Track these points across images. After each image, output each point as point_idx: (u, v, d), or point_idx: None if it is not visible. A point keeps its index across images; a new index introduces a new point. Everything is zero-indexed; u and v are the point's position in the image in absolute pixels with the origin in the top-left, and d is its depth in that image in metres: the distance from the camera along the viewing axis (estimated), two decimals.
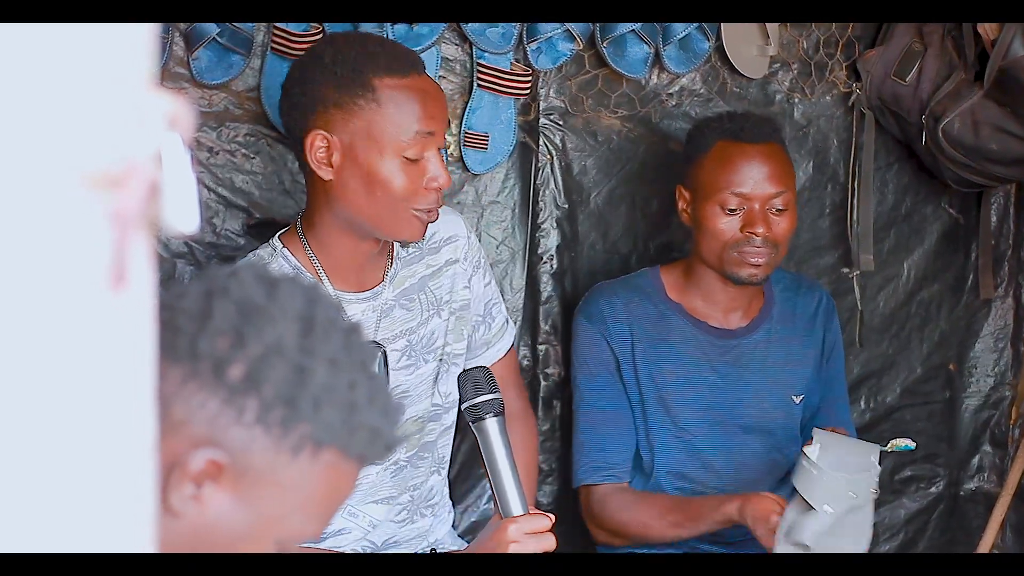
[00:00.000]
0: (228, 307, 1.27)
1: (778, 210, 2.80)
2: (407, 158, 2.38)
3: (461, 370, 2.41)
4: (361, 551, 2.58)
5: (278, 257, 2.49)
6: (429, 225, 2.54)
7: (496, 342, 2.76)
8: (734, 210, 2.78)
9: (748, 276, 2.82)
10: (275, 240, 2.52)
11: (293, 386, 1.26)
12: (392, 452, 1.35)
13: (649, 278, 2.95)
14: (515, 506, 2.17)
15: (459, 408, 2.57)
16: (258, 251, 2.53)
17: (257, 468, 1.28)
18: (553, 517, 2.22)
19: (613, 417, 2.87)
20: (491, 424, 2.19)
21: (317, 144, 2.39)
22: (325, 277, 2.49)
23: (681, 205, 2.89)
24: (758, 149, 2.81)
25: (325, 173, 2.40)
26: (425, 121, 2.39)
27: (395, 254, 2.58)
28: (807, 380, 2.97)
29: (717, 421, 2.88)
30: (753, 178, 2.79)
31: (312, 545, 2.54)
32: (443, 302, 2.62)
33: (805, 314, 3.00)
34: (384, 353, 2.49)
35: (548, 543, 2.16)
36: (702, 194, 2.82)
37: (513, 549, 2.14)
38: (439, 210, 2.60)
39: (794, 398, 2.95)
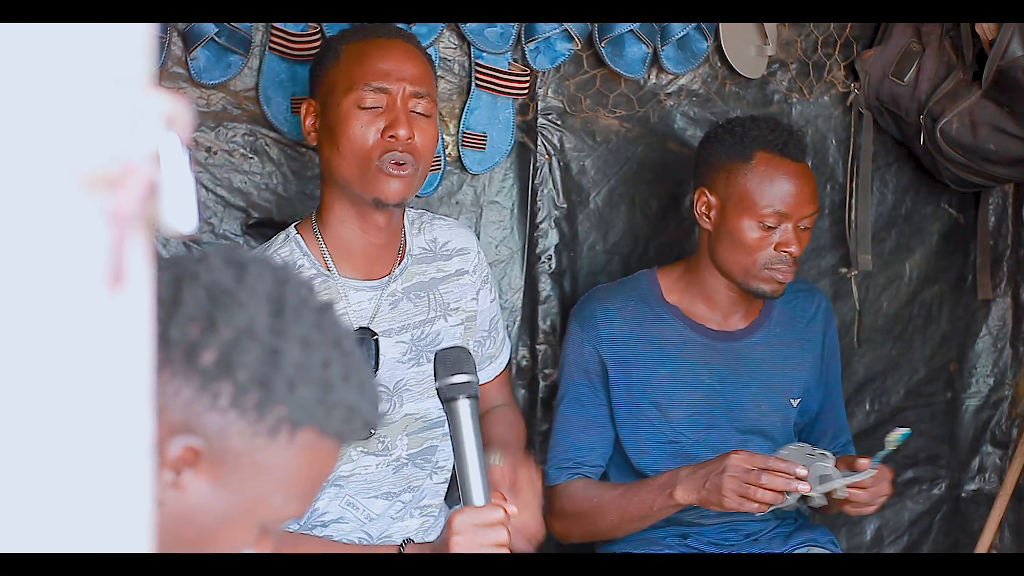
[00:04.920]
0: (198, 292, 1.26)
1: (804, 228, 2.79)
2: (360, 107, 2.48)
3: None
4: (357, 542, 2.58)
5: (290, 242, 2.57)
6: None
7: (498, 355, 2.80)
8: (771, 227, 2.75)
9: (772, 291, 2.80)
10: (291, 228, 2.60)
11: (267, 368, 1.26)
12: (371, 429, 1.35)
13: (646, 281, 2.91)
14: (476, 495, 2.15)
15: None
16: (274, 238, 2.60)
17: (235, 452, 1.28)
18: (514, 509, 2.20)
19: (587, 422, 2.85)
20: (463, 405, 2.16)
21: (304, 111, 2.57)
22: (332, 263, 2.55)
23: (702, 208, 2.83)
24: (799, 168, 2.79)
25: (312, 139, 2.56)
26: (376, 74, 2.49)
27: (407, 250, 2.62)
28: (805, 383, 2.94)
29: (713, 424, 2.86)
30: (795, 197, 2.76)
31: (305, 531, 2.53)
32: (451, 308, 2.64)
33: (804, 317, 2.96)
34: (376, 341, 2.51)
35: (497, 537, 2.15)
36: (738, 206, 2.77)
37: (457, 542, 2.13)
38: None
39: (791, 401, 2.92)
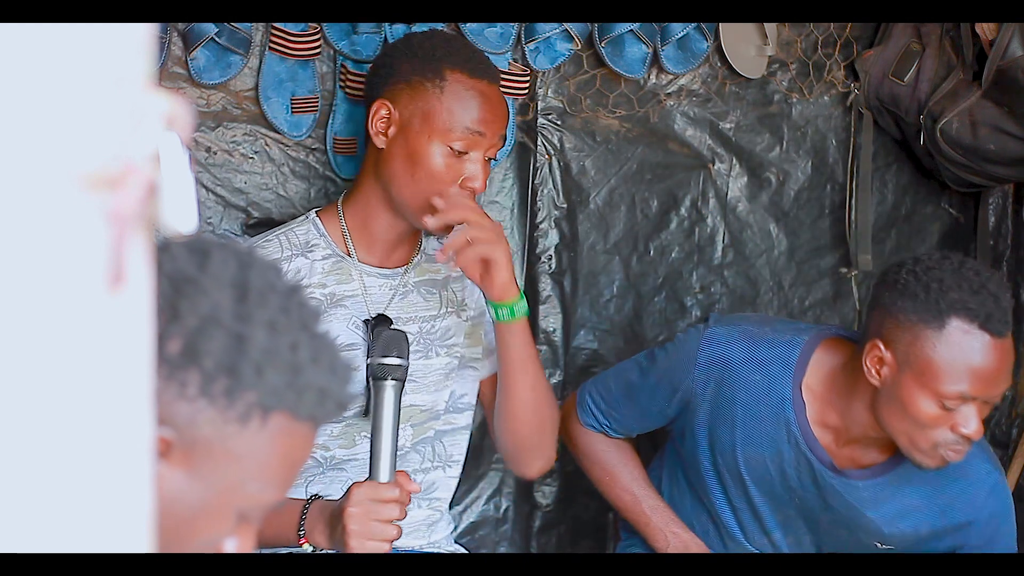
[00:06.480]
0: (161, 283, 1.25)
1: (989, 404, 2.43)
2: (452, 149, 2.49)
3: (397, 330, 2.46)
4: None
5: (308, 223, 2.62)
6: None
7: None
8: (952, 408, 2.37)
9: (936, 468, 2.44)
10: (311, 213, 2.64)
11: (233, 355, 1.24)
12: (345, 410, 1.34)
13: (797, 352, 2.54)
14: (382, 472, 2.29)
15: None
16: (292, 222, 2.64)
17: (206, 441, 1.27)
18: (416, 487, 2.33)
19: (643, 412, 2.71)
20: (388, 387, 2.32)
21: (380, 112, 2.54)
22: (352, 246, 2.59)
23: (873, 362, 2.42)
24: (1000, 345, 2.36)
25: (380, 141, 2.54)
26: (479, 122, 2.50)
27: (423, 247, 2.65)
28: (907, 540, 2.62)
29: (790, 519, 2.68)
30: (988, 380, 2.36)
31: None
32: (463, 304, 2.66)
33: (945, 487, 2.57)
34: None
35: (389, 513, 2.25)
36: (918, 378, 2.36)
37: (351, 513, 2.24)
38: None
39: (877, 544, 2.63)
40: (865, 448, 2.55)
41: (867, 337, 2.44)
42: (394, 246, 2.61)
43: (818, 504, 2.62)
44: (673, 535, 2.75)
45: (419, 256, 2.65)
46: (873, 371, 2.41)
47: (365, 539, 2.24)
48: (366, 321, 2.54)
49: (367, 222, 2.58)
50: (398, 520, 2.27)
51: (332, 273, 2.57)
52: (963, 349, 2.34)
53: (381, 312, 2.57)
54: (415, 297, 2.62)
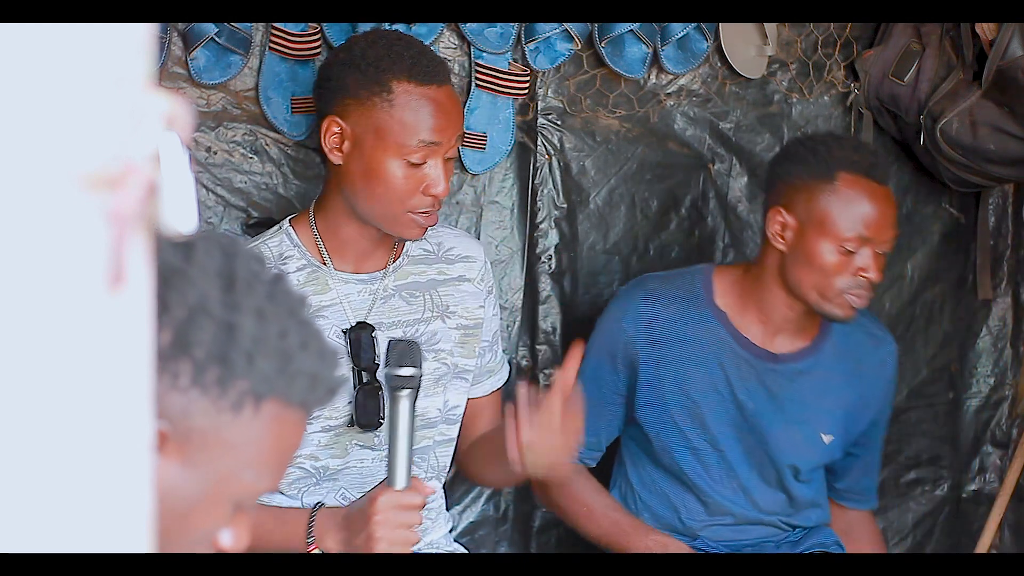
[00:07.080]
0: None
1: (883, 252, 2.72)
2: (409, 162, 2.47)
3: (404, 341, 2.49)
4: None
5: (281, 234, 2.60)
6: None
7: (498, 371, 2.77)
8: (851, 251, 2.68)
9: (845, 316, 2.72)
10: (284, 222, 2.62)
11: (224, 344, 1.24)
12: (335, 395, 1.34)
13: (700, 279, 2.83)
14: (398, 479, 2.35)
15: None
16: (266, 232, 2.63)
17: (200, 431, 1.27)
18: (431, 489, 2.43)
19: (600, 403, 2.77)
20: (403, 397, 2.37)
21: (332, 130, 2.51)
22: (327, 255, 2.57)
23: (776, 228, 2.72)
24: (883, 191, 2.72)
25: (335, 158, 2.52)
26: (433, 132, 2.47)
27: (405, 250, 2.63)
28: (842, 423, 2.88)
29: (750, 445, 2.81)
30: (879, 220, 2.69)
31: None
32: (450, 310, 2.64)
33: (860, 358, 2.88)
34: (375, 337, 2.52)
35: (411, 519, 2.33)
36: (818, 228, 2.69)
37: (377, 520, 2.31)
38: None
39: (823, 436, 2.86)
40: (792, 335, 2.81)
41: (767, 208, 2.77)
42: (368, 252, 2.59)
43: (770, 412, 2.80)
44: (654, 542, 2.81)
45: (401, 259, 2.62)
46: (778, 237, 2.72)
47: (392, 545, 2.31)
48: (344, 331, 2.54)
49: (337, 231, 2.56)
50: (418, 523, 2.35)
51: (308, 284, 2.55)
52: (853, 196, 2.69)
53: (362, 320, 2.56)
54: (396, 301, 2.60)
